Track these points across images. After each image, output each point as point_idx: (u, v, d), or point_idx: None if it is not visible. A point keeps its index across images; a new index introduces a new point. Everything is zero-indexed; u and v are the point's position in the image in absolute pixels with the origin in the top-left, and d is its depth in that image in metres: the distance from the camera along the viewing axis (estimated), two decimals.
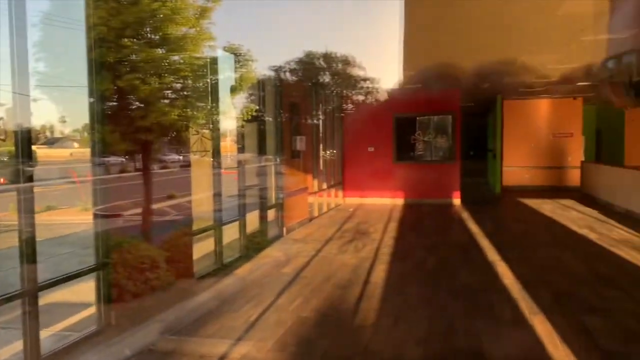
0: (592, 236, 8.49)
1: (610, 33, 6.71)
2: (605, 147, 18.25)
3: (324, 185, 12.13)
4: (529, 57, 8.38)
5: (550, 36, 6.79)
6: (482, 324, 4.50)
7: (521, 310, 4.87)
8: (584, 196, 13.99)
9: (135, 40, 5.36)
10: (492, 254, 7.30)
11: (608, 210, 11.52)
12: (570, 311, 4.82)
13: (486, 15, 5.76)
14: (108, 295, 4.54)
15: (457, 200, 13.34)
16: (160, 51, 5.69)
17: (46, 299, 5.05)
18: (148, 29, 5.53)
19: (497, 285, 5.77)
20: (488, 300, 5.19)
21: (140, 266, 5.14)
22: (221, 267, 6.74)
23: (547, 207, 12.32)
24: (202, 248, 7.00)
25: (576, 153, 16.36)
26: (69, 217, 10.70)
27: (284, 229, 9.08)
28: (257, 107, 8.16)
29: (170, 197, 7.76)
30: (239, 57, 7.44)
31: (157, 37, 5.66)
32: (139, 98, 5.30)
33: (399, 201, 13.69)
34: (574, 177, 15.97)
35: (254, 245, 7.98)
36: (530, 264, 6.70)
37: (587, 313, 4.75)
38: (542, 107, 16.49)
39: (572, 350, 3.89)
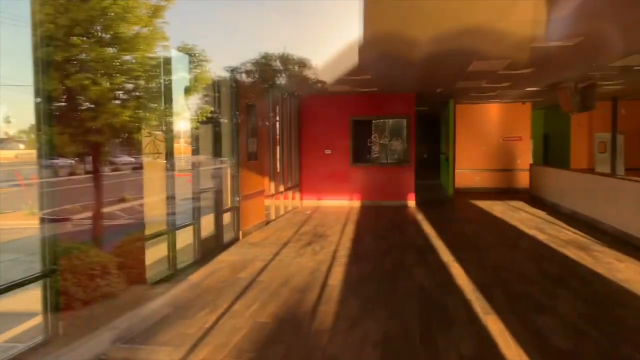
0: (541, 237, 8.78)
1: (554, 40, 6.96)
2: (552, 150, 18.99)
3: (281, 188, 12.07)
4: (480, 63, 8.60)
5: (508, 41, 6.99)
6: (438, 325, 4.57)
7: (475, 310, 4.98)
8: (533, 198, 14.49)
9: (85, 38, 5.17)
10: (446, 255, 7.44)
11: (555, 211, 11.96)
12: (521, 311, 4.95)
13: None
14: (56, 304, 4.34)
15: (412, 202, 13.56)
16: (111, 50, 5.51)
17: None
18: (98, 28, 5.35)
19: (451, 286, 5.88)
20: (443, 301, 5.28)
21: (90, 273, 4.95)
22: (175, 273, 6.58)
23: (497, 208, 12.68)
24: (155, 253, 6.82)
25: (525, 156, 16.94)
26: (14, 221, 10.23)
27: (240, 233, 8.97)
28: (212, 109, 8.03)
29: (122, 200, 7.54)
30: (193, 58, 7.31)
31: (108, 36, 5.48)
32: (89, 98, 5.12)
33: (356, 203, 13.80)
34: (523, 180, 16.54)
35: (209, 249, 7.84)
36: (483, 265, 6.86)
37: (538, 312, 4.90)
38: (493, 111, 17.00)
39: (524, 349, 4.00)
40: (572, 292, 5.56)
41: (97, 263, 5.09)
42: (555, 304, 5.14)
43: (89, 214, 5.07)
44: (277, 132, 11.95)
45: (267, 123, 10.86)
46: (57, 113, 4.66)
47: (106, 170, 4.93)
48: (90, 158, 5.06)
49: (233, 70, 8.63)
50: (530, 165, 15.70)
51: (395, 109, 13.61)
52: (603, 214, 9.49)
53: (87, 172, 4.98)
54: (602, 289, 5.71)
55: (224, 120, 8.45)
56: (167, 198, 6.59)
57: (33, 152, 4.58)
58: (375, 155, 14.23)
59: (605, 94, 13.50)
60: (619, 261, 6.95)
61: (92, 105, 5.16)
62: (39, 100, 4.36)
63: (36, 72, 4.32)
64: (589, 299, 5.30)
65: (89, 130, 5.02)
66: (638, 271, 6.42)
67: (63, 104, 5.06)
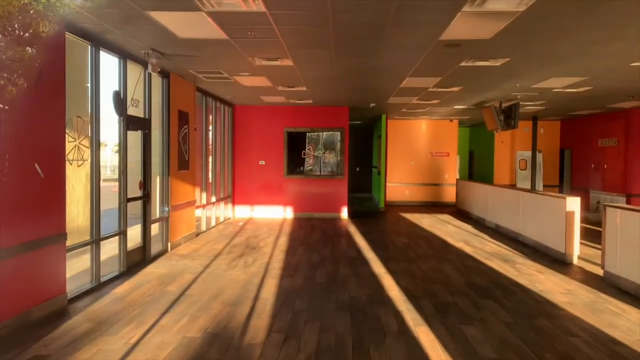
0: (468, 249, 9.08)
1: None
2: (477, 166, 19.82)
3: (213, 199, 11.80)
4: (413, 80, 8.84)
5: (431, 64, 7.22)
6: (370, 336, 4.57)
7: (406, 321, 5.03)
8: (459, 211, 15.02)
9: (1, 36, 4.83)
10: (378, 267, 7.52)
11: (480, 224, 12.45)
12: (450, 321, 5.06)
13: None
14: None
15: (344, 215, 13.67)
16: (31, 50, 5.18)
17: None
18: (17, 25, 5.02)
19: (383, 297, 5.92)
20: (375, 313, 5.30)
21: (0, 285, 4.56)
22: (98, 286, 6.23)
23: (426, 221, 13.03)
24: (77, 265, 6.43)
25: (452, 171, 17.61)
26: None
27: (169, 244, 8.66)
28: (142, 115, 7.73)
29: (37, 208, 7.00)
30: (122, 61, 7.01)
31: (28, 34, 5.15)
32: (4, 100, 4.76)
33: (290, 215, 13.74)
34: (450, 194, 17.16)
35: (135, 261, 7.49)
36: (413, 276, 6.98)
37: (466, 322, 5.02)
38: (422, 127, 17.56)
39: (453, 358, 4.07)
40: (498, 302, 5.76)
41: (9, 275, 4.70)
42: (482, 315, 5.30)
43: None
44: (210, 141, 11.72)
45: (199, 131, 10.61)
46: None
47: (20, 178, 4.58)
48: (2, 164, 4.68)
49: (163, 76, 8.37)
50: (457, 180, 16.30)
51: (329, 121, 13.74)
52: (524, 227, 9.97)
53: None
54: (525, 299, 5.95)
55: (154, 127, 8.16)
56: (92, 207, 6.25)
57: None
58: (309, 167, 14.28)
59: (527, 113, 14.29)
60: (539, 272, 7.30)
61: (7, 108, 4.80)
62: None
63: None
64: (513, 309, 5.50)
65: (3, 133, 4.66)
66: (556, 282, 6.76)
67: None
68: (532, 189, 15.08)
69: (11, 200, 4.64)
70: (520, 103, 11.68)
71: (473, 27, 5.54)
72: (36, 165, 5.01)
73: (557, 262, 8.06)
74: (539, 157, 17.12)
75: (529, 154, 17.08)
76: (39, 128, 5.04)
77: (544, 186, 17.15)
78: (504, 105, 11.73)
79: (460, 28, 5.53)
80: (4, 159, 4.55)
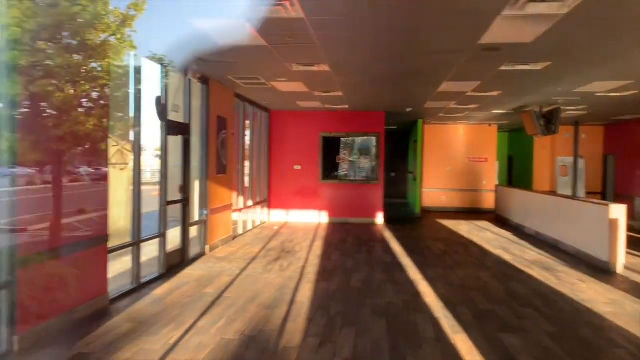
0: (507, 257, 8.90)
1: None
2: (516, 172, 19.41)
3: (250, 202, 11.94)
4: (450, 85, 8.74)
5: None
6: (406, 343, 4.53)
7: (443, 328, 4.97)
8: (498, 218, 14.73)
9: (51, 44, 5.02)
10: (414, 273, 7.45)
11: (520, 232, 12.18)
12: (489, 329, 4.97)
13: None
14: (11, 318, 4.13)
15: (380, 220, 13.60)
16: (77, 57, 5.36)
17: None
18: (66, 34, 5.21)
19: (420, 303, 5.86)
20: (412, 319, 5.25)
21: (48, 285, 4.73)
22: (139, 287, 6.38)
23: (463, 228, 12.83)
24: (118, 266, 6.61)
25: (491, 177, 17.27)
26: None
27: (207, 247, 8.80)
28: (182, 121, 7.91)
29: (81, 211, 7.24)
30: (163, 68, 7.19)
31: (76, 42, 5.34)
32: (52, 105, 4.95)
33: (324, 220, 13.76)
34: (488, 200, 16.84)
35: (174, 263, 7.64)
36: (450, 283, 6.88)
37: (505, 331, 4.92)
38: (460, 132, 17.31)
39: None
40: (538, 311, 5.62)
41: (55, 275, 4.87)
42: (522, 323, 5.18)
43: (47, 224, 4.86)
44: (247, 146, 11.86)
45: (236, 136, 10.76)
46: (19, 119, 4.48)
47: (66, 181, 4.74)
48: (50, 167, 4.86)
49: (204, 82, 8.54)
50: (496, 186, 16.00)
51: (365, 126, 13.71)
52: (565, 235, 9.70)
53: (44, 182, 4.78)
54: (566, 308, 5.79)
55: (194, 132, 8.33)
56: (133, 210, 6.42)
57: None
58: (343, 172, 14.27)
59: (568, 118, 13.93)
60: (581, 282, 7.09)
61: (56, 113, 4.98)
62: (0, 105, 4.21)
63: (0, 77, 4.18)
64: (554, 318, 5.36)
65: (51, 137, 4.84)
66: (600, 291, 6.55)
67: (25, 110, 4.88)
68: (574, 196, 14.67)
69: (59, 203, 4.81)
70: (562, 108, 11.41)
71: (513, 31, 5.45)
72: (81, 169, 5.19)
73: (601, 271, 7.81)
74: (581, 163, 16.64)
75: (570, 159, 16.62)
76: (85, 132, 5.21)
77: (586, 193, 16.65)
78: (545, 109, 11.48)
79: (499, 32, 5.45)
80: (57, 162, 4.72)
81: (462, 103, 11.31)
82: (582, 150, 16.46)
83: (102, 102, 5.50)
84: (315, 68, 7.60)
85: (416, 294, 6.29)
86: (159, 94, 7.09)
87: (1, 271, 4.10)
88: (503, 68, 7.34)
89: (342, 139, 14.21)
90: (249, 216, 11.92)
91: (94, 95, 5.50)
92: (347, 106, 12.42)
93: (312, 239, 10.69)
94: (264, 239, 10.60)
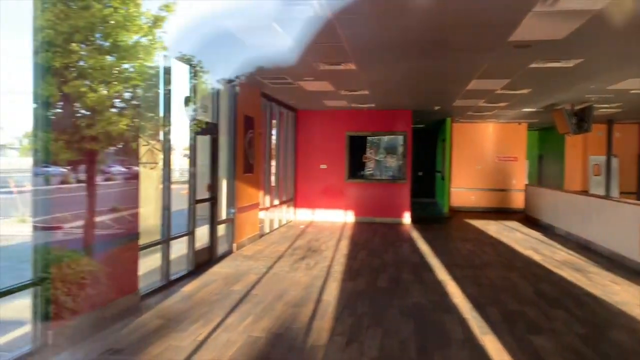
0: (536, 257, 8.74)
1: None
2: (546, 171, 19.04)
3: (276, 201, 12.00)
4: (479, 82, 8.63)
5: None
6: (434, 343, 4.49)
7: (472, 329, 4.91)
8: (528, 218, 14.48)
9: (84, 46, 5.13)
10: (442, 273, 7.38)
11: (550, 232, 11.95)
12: (518, 330, 4.89)
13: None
14: (45, 313, 4.24)
15: (407, 220, 13.51)
16: (110, 58, 5.47)
17: None
18: (98, 35, 5.32)
19: (448, 304, 5.81)
20: (440, 320, 5.20)
21: (81, 282, 4.84)
22: (168, 284, 6.48)
23: (492, 228, 12.66)
24: (148, 263, 6.72)
25: (520, 176, 16.96)
26: (5, 228, 10.08)
27: (234, 245, 8.88)
28: (210, 120, 8.00)
29: (114, 210, 7.39)
30: (191, 68, 7.28)
31: (108, 43, 5.45)
32: (85, 106, 5.06)
33: (350, 219, 13.74)
34: (518, 200, 16.54)
35: (202, 261, 7.74)
36: (479, 284, 6.79)
37: (535, 332, 4.84)
38: (489, 130, 17.05)
39: None
40: (569, 312, 5.51)
41: (88, 272, 4.98)
42: (553, 325, 5.08)
43: (80, 222, 4.97)
44: (274, 145, 11.93)
45: (263, 136, 10.83)
46: (53, 119, 4.59)
47: (98, 180, 4.86)
48: (81, 167, 4.97)
49: (232, 82, 8.61)
50: (526, 185, 15.72)
51: (392, 125, 13.64)
52: (598, 236, 9.47)
53: (78, 181, 4.88)
54: (599, 310, 5.66)
55: (222, 132, 8.41)
56: (163, 208, 6.52)
57: (26, 159, 4.51)
58: (369, 172, 14.22)
59: (601, 116, 13.60)
60: (614, 283, 6.91)
61: (89, 113, 5.09)
62: (36, 106, 4.31)
63: (35, 78, 4.28)
64: (586, 320, 5.24)
65: (84, 137, 4.95)
66: (634, 294, 6.38)
67: (59, 110, 5.00)
68: (607, 196, 14.31)
69: (92, 201, 4.92)
70: (594, 105, 11.14)
71: (544, 27, 5.35)
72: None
73: (635, 273, 7.60)
74: (615, 162, 16.22)
75: (603, 159, 16.22)
76: (117, 132, 5.32)
77: (620, 193, 16.22)
78: (577, 107, 11.23)
79: (530, 28, 5.35)
80: (90, 161, 4.83)
81: (491, 101, 11.15)
82: (616, 149, 16.04)
83: (133, 102, 5.60)
84: (341, 67, 7.60)
85: (444, 294, 6.24)
86: (187, 94, 7.18)
87: (37, 268, 4.21)
88: (533, 65, 7.21)
89: (368, 137, 14.15)
90: (275, 215, 11.98)
91: (126, 95, 5.61)
92: (373, 105, 12.37)
93: (338, 238, 10.69)
94: (290, 237, 10.64)
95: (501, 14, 4.93)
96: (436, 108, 12.75)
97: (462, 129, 16.90)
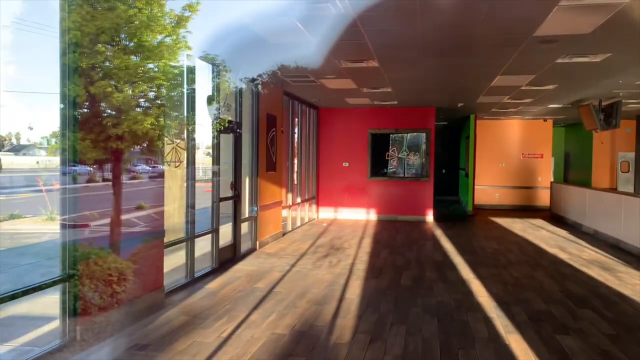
0: (563, 256, 8.59)
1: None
2: (573, 168, 18.68)
3: (298, 199, 12.04)
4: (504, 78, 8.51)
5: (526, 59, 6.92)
6: (459, 342, 4.46)
7: (497, 328, 4.85)
8: (554, 216, 14.24)
9: (109, 46, 5.22)
10: (466, 272, 7.31)
11: (577, 230, 11.73)
12: (545, 330, 4.81)
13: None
14: (74, 309, 4.33)
15: (430, 218, 13.42)
16: (135, 58, 5.55)
17: (7, 311, 4.81)
18: (123, 36, 5.40)
19: (472, 303, 5.75)
20: (464, 318, 5.15)
21: (108, 279, 4.93)
22: (192, 281, 6.56)
23: (517, 226, 12.48)
24: (173, 261, 6.81)
25: (546, 174, 16.68)
26: (34, 226, 10.33)
27: (257, 243, 8.93)
28: (233, 119, 8.05)
29: (139, 208, 7.50)
30: (215, 67, 7.34)
31: (133, 44, 5.53)
32: (111, 105, 5.14)
33: (373, 217, 13.70)
34: (543, 198, 16.27)
35: (226, 258, 7.80)
36: (504, 283, 6.71)
37: (562, 332, 4.76)
38: (514, 127, 16.80)
39: None
40: (597, 312, 5.40)
41: (115, 269, 5.07)
42: (580, 325, 4.99)
43: (107, 220, 5.06)
44: (296, 143, 11.96)
45: (285, 134, 10.86)
46: (80, 119, 4.68)
47: (124, 179, 4.94)
48: (107, 165, 5.06)
49: (254, 80, 8.65)
50: (552, 183, 15.46)
51: (415, 122, 13.55)
52: (627, 234, 9.27)
53: (104, 180, 4.97)
54: (628, 310, 5.53)
55: (244, 130, 8.47)
56: (187, 206, 6.59)
57: (54, 159, 4.60)
58: (392, 169, 14.15)
59: (630, 112, 13.29)
60: None
61: (114, 112, 5.18)
62: (63, 106, 4.39)
63: (63, 78, 4.36)
64: (615, 321, 5.13)
65: (110, 136, 5.03)
66: None
67: (85, 110, 5.10)
68: (637, 193, 13.98)
69: (118, 199, 5.00)
70: (623, 101, 10.88)
71: (571, 22, 5.25)
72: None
73: None
74: None
75: (632, 155, 15.84)
76: (143, 131, 5.39)
77: None
78: (604, 103, 10.99)
79: (556, 23, 5.26)
80: (116, 160, 4.91)
81: (516, 97, 10.99)
82: None
83: (158, 101, 5.67)
84: (364, 64, 7.58)
85: (468, 293, 6.17)
86: (210, 93, 7.25)
87: (65, 265, 4.30)
88: (559, 60, 7.08)
89: (390, 135, 14.08)
90: (298, 213, 12.02)
91: (151, 95, 5.68)
92: (396, 102, 12.31)
93: (361, 236, 10.67)
94: (312, 235, 10.66)
95: (526, 9, 4.86)
96: (460, 105, 12.62)
97: (486, 125, 16.67)
